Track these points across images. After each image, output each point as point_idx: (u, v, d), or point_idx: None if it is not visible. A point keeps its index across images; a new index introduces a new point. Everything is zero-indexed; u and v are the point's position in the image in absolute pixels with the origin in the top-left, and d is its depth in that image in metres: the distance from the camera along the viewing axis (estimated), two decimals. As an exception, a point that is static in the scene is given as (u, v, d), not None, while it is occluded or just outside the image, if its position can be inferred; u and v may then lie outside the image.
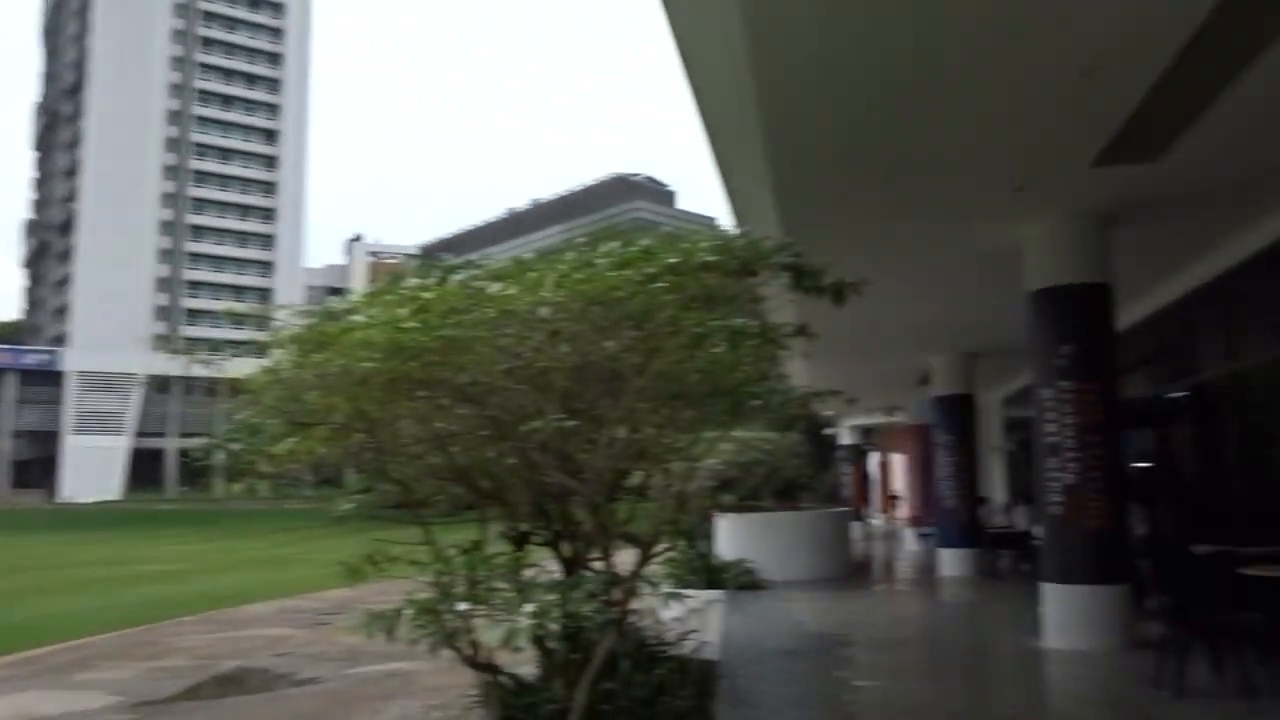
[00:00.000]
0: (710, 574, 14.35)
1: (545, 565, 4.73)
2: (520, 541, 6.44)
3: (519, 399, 5.00)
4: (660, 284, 4.03)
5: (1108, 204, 8.12)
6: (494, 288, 4.43)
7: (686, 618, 12.66)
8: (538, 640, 5.08)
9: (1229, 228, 9.12)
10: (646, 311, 4.19)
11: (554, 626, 3.67)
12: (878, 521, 36.61)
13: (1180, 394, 11.86)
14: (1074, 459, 8.19)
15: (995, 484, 25.00)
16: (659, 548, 6.98)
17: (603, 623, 4.49)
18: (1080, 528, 8.13)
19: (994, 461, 25.41)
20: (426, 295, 4.33)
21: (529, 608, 3.63)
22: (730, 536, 15.93)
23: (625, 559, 5.56)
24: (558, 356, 4.56)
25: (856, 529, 27.63)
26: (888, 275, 10.47)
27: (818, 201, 7.98)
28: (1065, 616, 8.21)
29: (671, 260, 4.06)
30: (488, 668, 4.88)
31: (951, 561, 16.12)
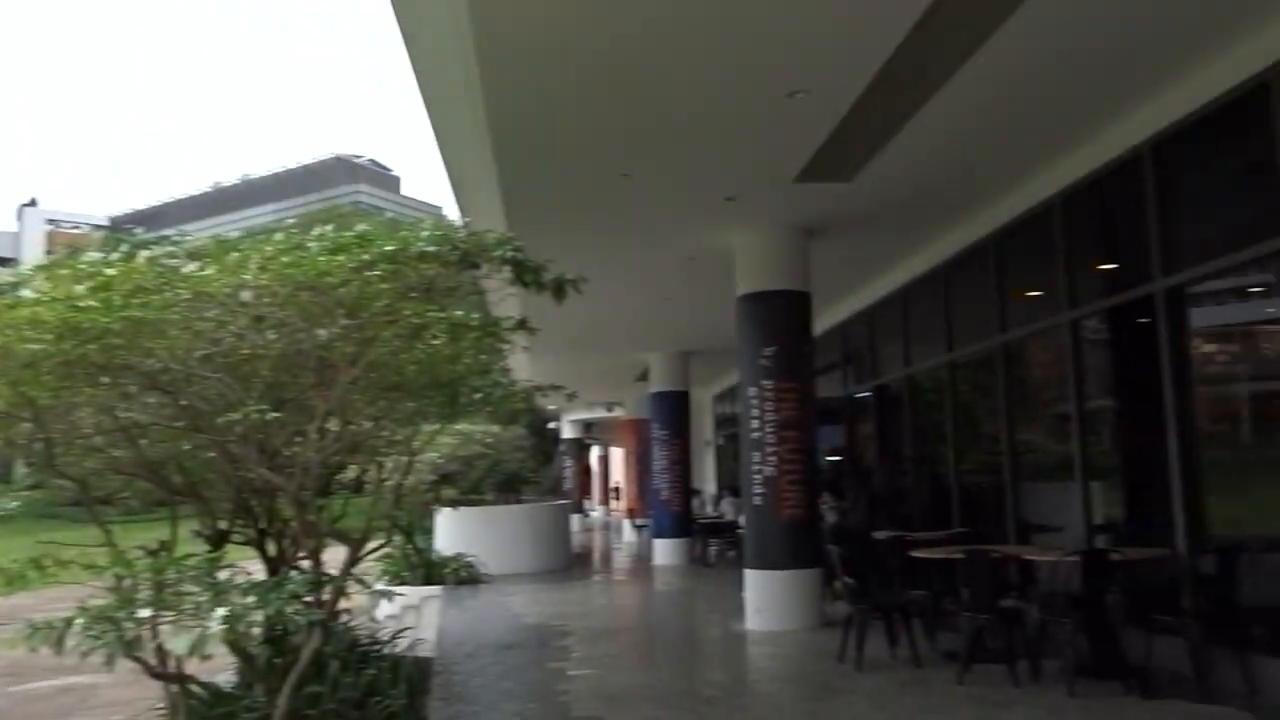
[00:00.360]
0: (428, 569, 14.12)
1: (244, 567, 4.42)
2: (219, 541, 6.01)
3: (219, 388, 4.65)
4: (376, 272, 3.89)
5: (809, 218, 8.81)
6: (191, 267, 4.08)
7: (402, 615, 12.42)
8: (234, 645, 4.76)
9: (908, 247, 10.19)
10: (361, 300, 4.03)
11: (249, 630, 3.43)
12: (599, 514, 37.60)
13: (866, 394, 13.10)
14: (773, 453, 8.81)
15: (707, 477, 26.42)
16: (373, 545, 6.77)
17: (308, 624, 4.28)
18: (778, 517, 8.77)
19: (706, 455, 26.84)
20: (110, 272, 3.91)
21: (221, 612, 3.37)
22: (450, 531, 15.74)
23: (337, 557, 5.34)
24: (263, 344, 4.28)
25: (577, 521, 28.22)
26: (610, 274, 10.77)
27: (542, 200, 8.05)
28: (764, 600, 8.83)
29: (389, 248, 3.93)
30: (175, 678, 4.50)
31: (665, 551, 16.86)
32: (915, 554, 7.82)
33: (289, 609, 3.75)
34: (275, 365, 4.86)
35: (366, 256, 3.87)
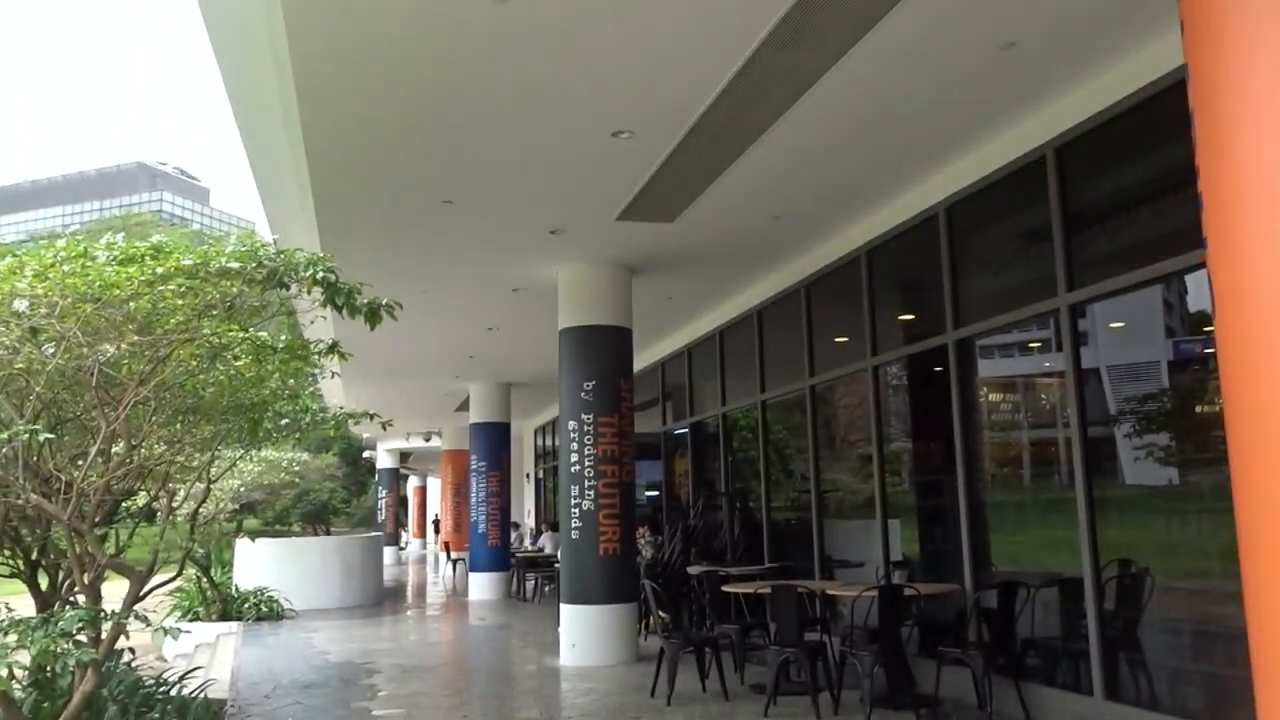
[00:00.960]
0: (226, 605, 13.32)
1: (7, 603, 4.01)
2: (-20, 575, 5.46)
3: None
4: (170, 286, 3.65)
5: (632, 255, 8.96)
6: (-45, 272, 3.70)
7: (195, 654, 11.64)
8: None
9: (726, 288, 10.52)
10: (154, 315, 3.77)
11: (3, 672, 3.10)
12: (414, 546, 36.54)
13: (684, 430, 13.37)
14: (592, 487, 8.84)
15: (526, 510, 26.20)
16: (162, 578, 6.32)
17: (80, 665, 3.93)
18: (595, 551, 8.78)
19: (527, 489, 26.64)
20: None
21: (-30, 652, 3.04)
22: (251, 564, 14.91)
23: (120, 591, 4.94)
24: (40, 359, 3.93)
25: (392, 554, 27.34)
26: (431, 301, 10.58)
27: (360, 221, 7.82)
28: (579, 635, 8.80)
29: (186, 262, 3.70)
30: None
31: (482, 585, 16.57)
32: (727, 589, 8.01)
33: (58, 648, 3.43)
34: (53, 382, 4.49)
35: (161, 270, 3.63)
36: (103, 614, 3.95)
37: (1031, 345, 6.93)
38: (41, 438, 3.57)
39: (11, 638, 3.21)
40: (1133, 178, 5.69)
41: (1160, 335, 5.74)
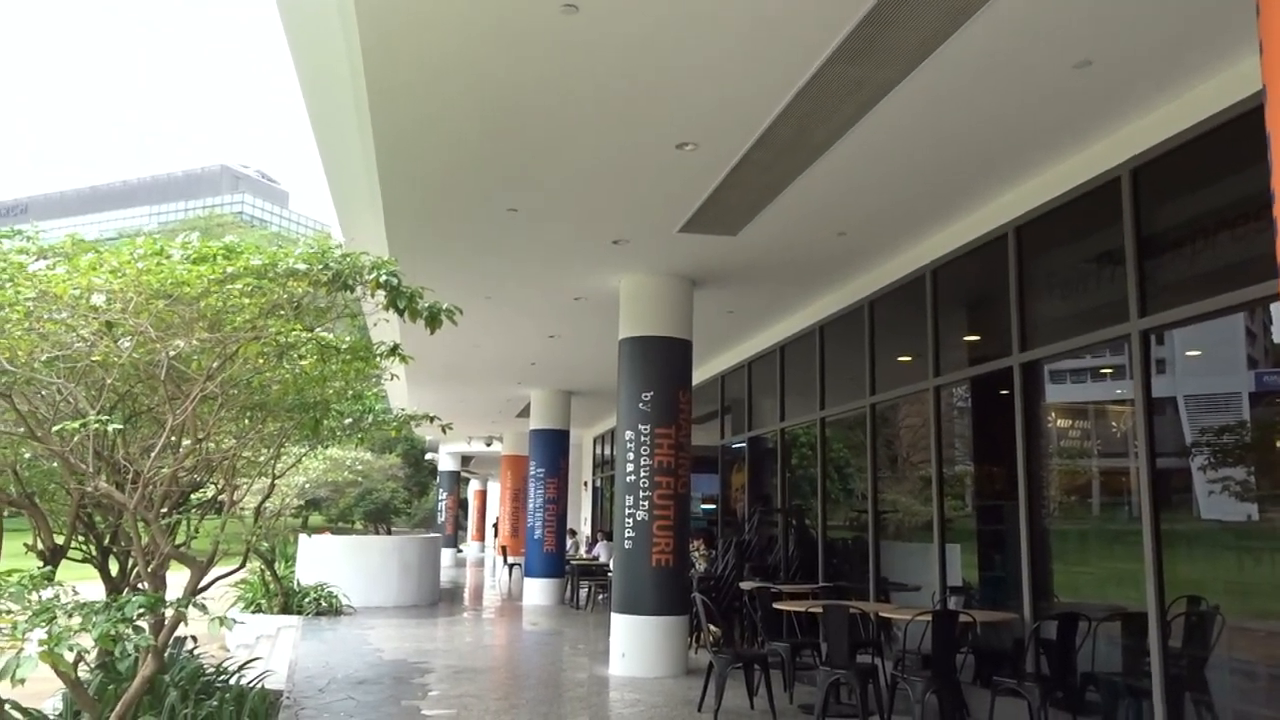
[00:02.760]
0: (287, 598, 13.61)
1: (75, 586, 4.15)
2: (53, 557, 5.67)
3: (65, 395, 4.41)
4: (238, 285, 3.76)
5: (693, 267, 8.96)
6: (38, 265, 3.86)
7: (255, 644, 11.90)
8: (60, 670, 4.46)
9: (787, 303, 10.45)
10: (222, 313, 3.88)
11: (69, 655, 3.21)
12: (472, 549, 36.93)
13: (741, 444, 13.30)
14: (647, 497, 8.85)
15: (583, 518, 26.31)
16: (226, 570, 6.48)
17: (141, 650, 4.04)
18: (648, 562, 8.78)
19: (584, 497, 26.75)
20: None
21: (39, 634, 3.14)
22: (313, 559, 15.23)
23: (186, 580, 5.08)
24: (115, 352, 4.07)
25: (449, 556, 27.66)
26: (494, 308, 10.71)
27: (427, 228, 7.96)
28: (630, 645, 8.80)
29: (254, 262, 3.80)
30: (-14, 704, 4.18)
31: (536, 591, 16.67)
32: (779, 606, 7.94)
33: (119, 633, 3.54)
34: (127, 375, 4.65)
35: (231, 269, 3.74)
36: (163, 601, 4.07)
37: (1104, 371, 6.75)
38: (111, 428, 3.70)
39: (75, 620, 3.33)
40: (1212, 202, 5.52)
41: (1242, 366, 5.55)
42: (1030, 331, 6.90)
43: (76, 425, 3.65)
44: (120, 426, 3.86)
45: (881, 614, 7.20)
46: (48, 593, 3.60)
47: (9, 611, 3.28)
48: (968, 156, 6.30)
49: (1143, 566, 5.65)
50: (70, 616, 3.32)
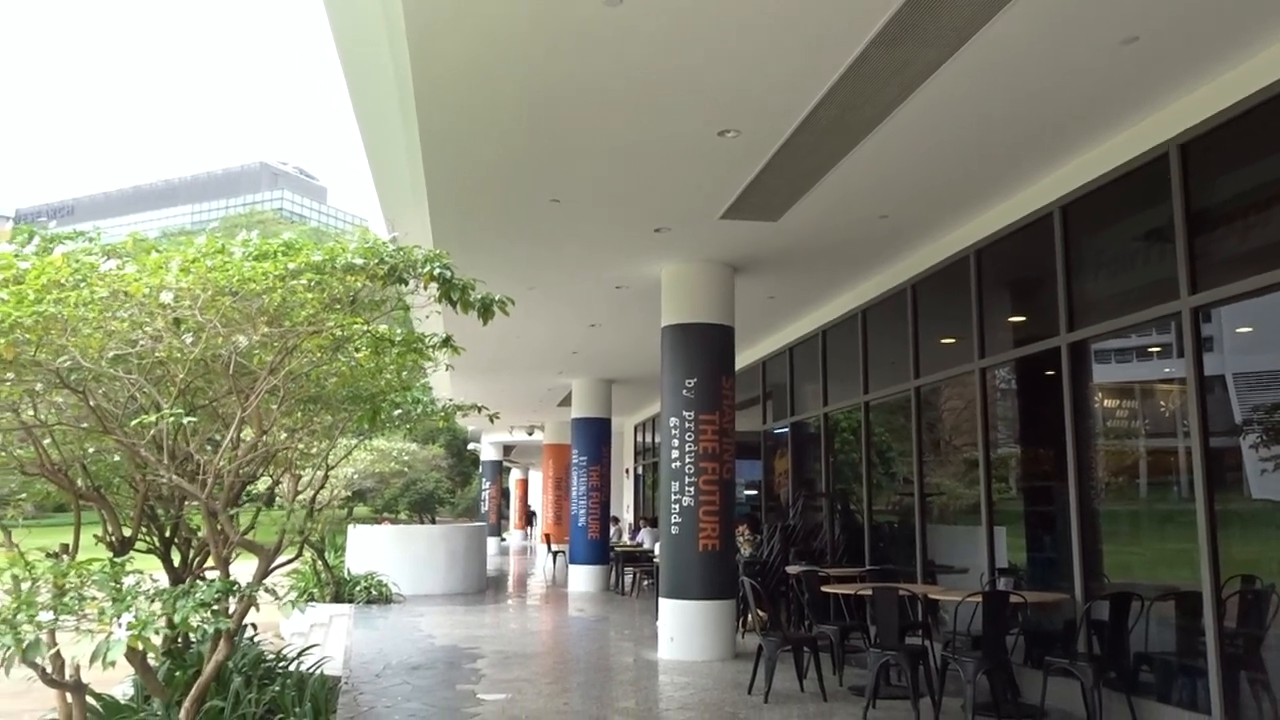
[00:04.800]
0: (339, 587, 13.87)
1: (149, 575, 4.30)
2: (123, 547, 5.85)
3: (132, 390, 4.55)
4: (300, 281, 3.86)
5: (735, 253, 8.99)
6: (108, 265, 4.00)
7: (310, 632, 12.15)
8: (133, 656, 4.63)
9: (829, 288, 10.43)
10: (284, 308, 3.99)
11: (156, 639, 3.34)
12: (515, 537, 37.26)
13: (784, 429, 13.31)
14: (692, 483, 8.91)
15: (625, 505, 26.44)
16: (282, 558, 6.64)
17: (214, 634, 4.18)
18: (694, 547, 8.85)
19: (626, 484, 26.88)
20: (23, 265, 3.81)
21: (127, 618, 3.27)
22: (363, 549, 15.49)
23: (245, 570, 5.23)
24: (180, 347, 4.20)
25: (493, 544, 27.95)
26: (536, 297, 10.80)
27: (471, 219, 8.06)
28: (678, 630, 8.88)
29: (315, 257, 3.90)
30: (71, 686, 4.35)
31: (581, 578, 16.82)
32: (827, 589, 7.97)
33: (196, 618, 3.67)
34: (192, 370, 4.78)
35: (292, 265, 3.84)
36: (235, 587, 4.21)
37: (1151, 350, 6.69)
38: (185, 420, 3.82)
39: (156, 606, 3.46)
40: (1264, 176, 5.43)
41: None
42: (1078, 311, 6.85)
43: (152, 419, 3.78)
44: (194, 419, 3.98)
45: (931, 596, 7.21)
46: (129, 580, 3.74)
47: (95, 598, 3.43)
48: (1012, 136, 6.26)
49: (1196, 546, 5.62)
50: (152, 603, 3.46)
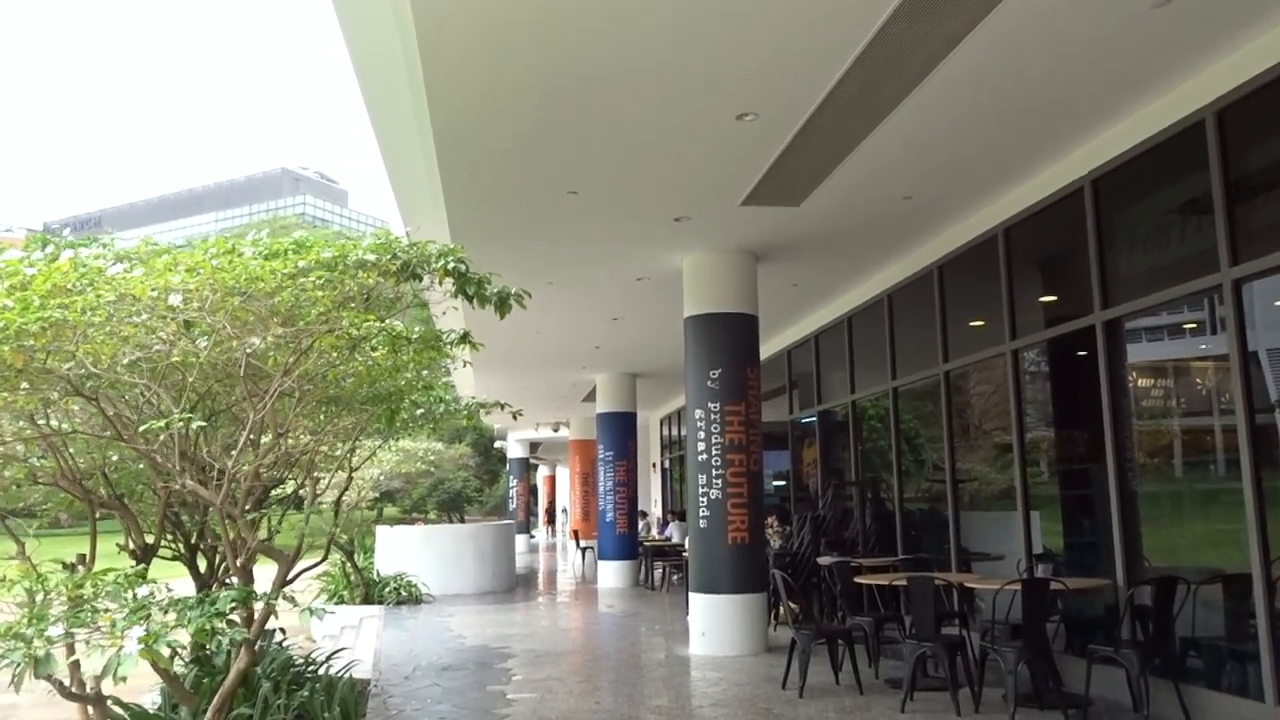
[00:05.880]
0: (368, 589, 13.85)
1: (167, 583, 4.23)
2: (145, 556, 5.81)
3: (147, 396, 4.49)
4: (311, 278, 3.77)
5: (757, 241, 8.83)
6: (116, 269, 3.92)
7: (340, 635, 12.14)
8: (157, 665, 4.57)
9: (853, 273, 10.25)
10: (296, 307, 3.90)
11: (166, 651, 3.26)
12: (544, 534, 37.29)
13: (811, 419, 13.14)
14: (719, 476, 8.78)
15: (653, 499, 26.34)
16: (309, 562, 6.57)
17: (234, 643, 4.11)
18: (723, 540, 8.72)
19: (653, 478, 26.78)
20: (29, 271, 3.74)
21: (137, 631, 3.19)
22: (391, 550, 15.48)
23: (271, 574, 5.17)
24: (194, 351, 4.13)
25: (522, 542, 27.94)
26: (557, 292, 10.70)
27: (488, 215, 7.96)
28: (709, 624, 8.76)
29: (326, 254, 3.81)
30: (90, 699, 4.30)
31: (610, 573, 16.74)
32: (860, 580, 7.83)
33: (213, 627, 3.59)
34: (207, 374, 4.71)
35: (303, 263, 3.75)
36: (254, 595, 4.13)
37: (1186, 326, 6.49)
38: (195, 425, 3.74)
39: (170, 616, 3.38)
40: (1305, 141, 5.23)
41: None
42: (1112, 288, 6.65)
43: (161, 424, 3.70)
44: (204, 424, 3.90)
45: (968, 584, 7.05)
46: (143, 590, 3.67)
47: (107, 610, 3.35)
48: (1039, 108, 6.07)
49: (1242, 526, 5.42)
50: (165, 613, 3.38)
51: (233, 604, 3.67)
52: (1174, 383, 6.69)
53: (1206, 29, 5.11)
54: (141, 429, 3.89)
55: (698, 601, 8.89)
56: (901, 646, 6.85)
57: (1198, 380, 6.43)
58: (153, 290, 3.68)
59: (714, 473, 8.81)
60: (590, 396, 18.83)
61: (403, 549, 15.44)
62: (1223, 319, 5.68)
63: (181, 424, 3.70)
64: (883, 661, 7.71)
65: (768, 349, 13.94)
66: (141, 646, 3.09)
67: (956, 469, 8.97)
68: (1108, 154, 6.52)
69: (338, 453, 7.20)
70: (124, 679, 3.00)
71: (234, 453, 4.32)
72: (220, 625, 3.50)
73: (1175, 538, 6.49)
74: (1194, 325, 6.39)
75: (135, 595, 3.58)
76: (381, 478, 16.70)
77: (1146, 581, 6.20)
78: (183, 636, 3.66)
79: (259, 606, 4.24)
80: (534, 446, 32.81)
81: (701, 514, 8.86)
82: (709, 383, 8.94)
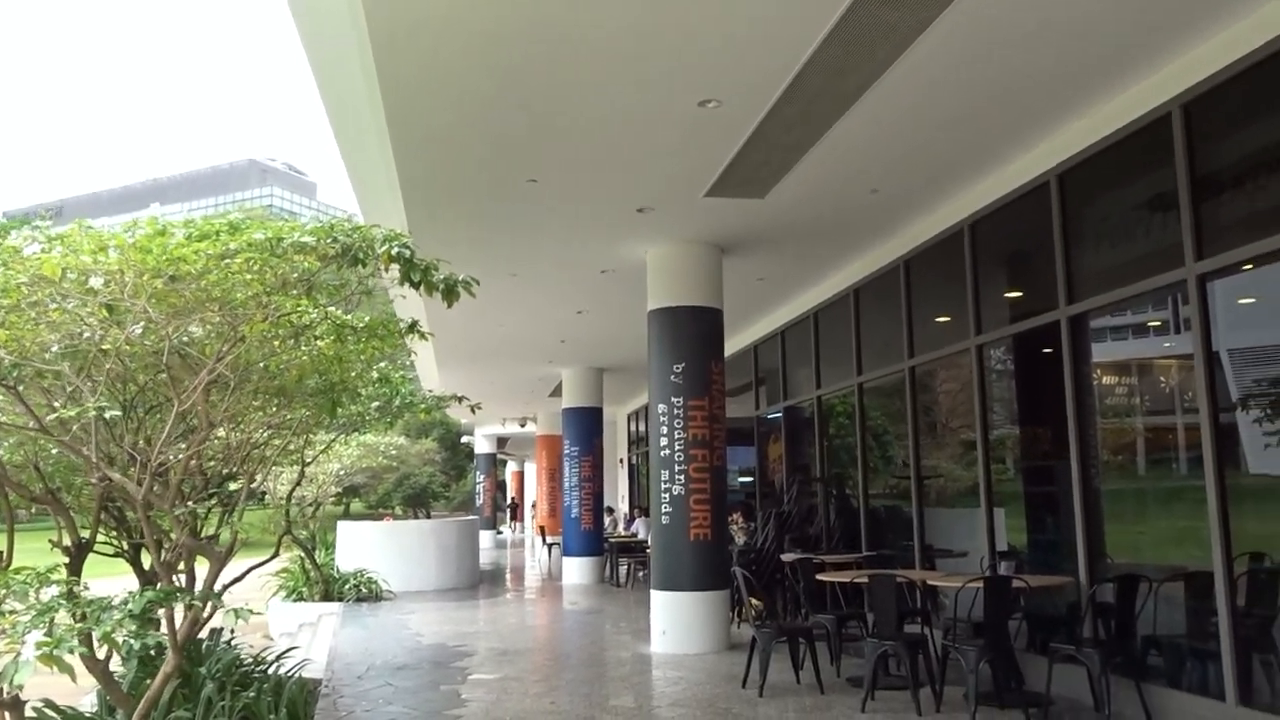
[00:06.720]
0: (327, 585, 13.60)
1: (88, 582, 4.02)
2: (78, 553, 5.57)
3: (78, 386, 4.27)
4: (239, 260, 3.57)
5: (721, 233, 8.70)
6: (30, 249, 3.70)
7: (297, 633, 11.89)
8: (92, 666, 4.37)
9: (819, 268, 10.16)
10: (227, 291, 3.70)
11: (69, 657, 3.06)
12: (510, 530, 37.04)
13: (777, 415, 13.05)
14: (682, 471, 8.65)
15: (620, 495, 26.21)
16: (259, 559, 6.37)
17: (148, 648, 3.91)
18: (685, 537, 8.59)
19: (620, 474, 26.64)
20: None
21: (34, 636, 2.99)
22: (352, 545, 15.23)
23: (235, 571, 4.98)
24: (126, 339, 3.92)
25: (488, 538, 27.71)
26: (521, 285, 10.52)
27: (448, 205, 7.77)
28: (670, 622, 8.64)
29: (258, 236, 3.61)
30: (8, 705, 4.08)
31: (576, 570, 16.58)
32: (822, 577, 7.73)
33: (132, 630, 3.39)
34: (146, 365, 4.51)
35: (233, 244, 3.55)
36: (178, 594, 3.93)
37: (1150, 325, 6.44)
38: (109, 414, 3.54)
39: (77, 619, 3.17)
40: (1272, 136, 5.17)
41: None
42: (1077, 283, 6.58)
43: (74, 413, 3.50)
44: (118, 413, 3.70)
45: (931, 582, 6.97)
46: (54, 590, 3.46)
47: (12, 611, 3.15)
48: (1006, 99, 5.98)
49: (1203, 524, 5.37)
50: (74, 616, 3.18)
51: (149, 604, 3.47)
52: (1138, 381, 6.64)
53: (1172, 22, 5.03)
54: (50, 418, 3.68)
55: (659, 599, 8.76)
56: (863, 644, 6.75)
57: (1161, 379, 6.38)
58: (71, 274, 3.48)
59: (677, 468, 8.68)
60: (557, 392, 18.65)
61: (364, 545, 15.19)
62: (1186, 319, 5.63)
63: (96, 412, 3.50)
64: (844, 660, 7.61)
65: (734, 344, 13.83)
66: (41, 652, 2.90)
67: (921, 465, 8.90)
68: (1074, 148, 6.44)
69: (291, 447, 6.99)
70: (20, 687, 2.81)
71: (156, 444, 4.10)
72: (134, 628, 3.31)
73: (1138, 535, 6.44)
74: (1158, 324, 6.35)
75: (42, 596, 3.37)
76: (343, 473, 16.42)
77: (1109, 579, 6.14)
78: (74, 641, 3.45)
79: (179, 608, 4.03)
80: (502, 442, 32.56)
81: (664, 510, 8.73)
82: (673, 377, 8.81)
